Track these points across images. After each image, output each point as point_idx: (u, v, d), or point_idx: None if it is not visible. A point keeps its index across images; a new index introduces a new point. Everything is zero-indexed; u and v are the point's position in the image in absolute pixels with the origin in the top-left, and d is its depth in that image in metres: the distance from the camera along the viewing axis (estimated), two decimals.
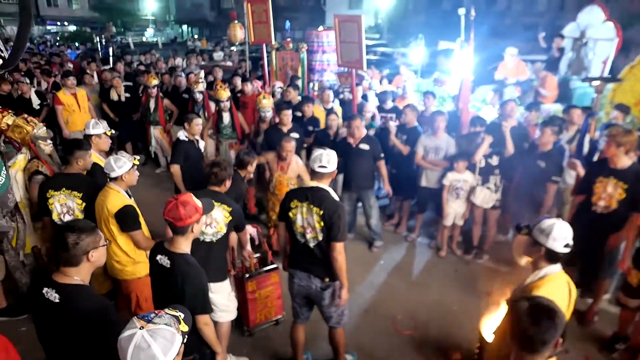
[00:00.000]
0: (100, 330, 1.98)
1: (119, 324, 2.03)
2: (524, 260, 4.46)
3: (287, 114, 5.41)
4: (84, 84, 8.02)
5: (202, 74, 7.54)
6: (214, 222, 3.17)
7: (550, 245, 2.26)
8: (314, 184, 3.04)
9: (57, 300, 1.99)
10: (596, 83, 4.59)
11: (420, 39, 9.53)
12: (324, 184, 3.05)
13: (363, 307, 4.36)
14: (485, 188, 4.95)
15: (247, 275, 3.78)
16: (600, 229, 3.75)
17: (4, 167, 2.90)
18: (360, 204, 5.44)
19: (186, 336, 1.60)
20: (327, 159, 3.00)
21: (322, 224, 2.96)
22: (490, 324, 3.37)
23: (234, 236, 3.58)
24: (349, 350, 3.58)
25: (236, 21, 8.49)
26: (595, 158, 4.29)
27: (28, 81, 8.11)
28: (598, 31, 7.80)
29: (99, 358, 2.05)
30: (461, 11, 5.93)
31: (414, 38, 10.44)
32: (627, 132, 3.50)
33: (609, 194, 3.66)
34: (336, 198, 3.03)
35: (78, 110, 6.96)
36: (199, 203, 2.44)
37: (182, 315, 1.62)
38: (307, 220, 3.01)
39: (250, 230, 3.69)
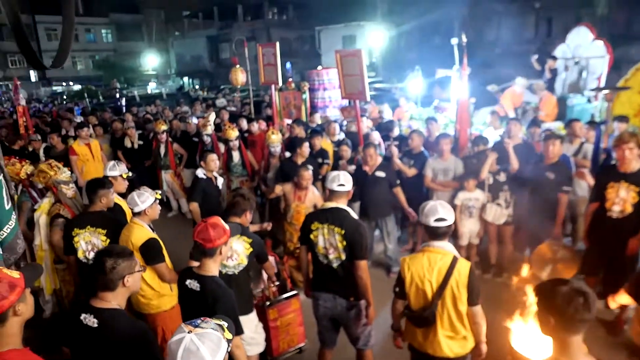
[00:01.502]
0: (139, 354, 2.01)
1: (157, 347, 2.07)
2: (545, 274, 4.45)
3: (306, 146, 5.57)
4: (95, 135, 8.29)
5: (213, 116, 7.76)
6: (234, 254, 3.15)
7: (423, 221, 2.62)
8: (332, 204, 3.12)
9: (95, 325, 2.03)
10: (606, 92, 4.74)
11: (417, 70, 9.89)
12: (343, 204, 3.12)
13: (387, 331, 4.27)
14: (496, 204, 5.00)
15: (267, 303, 3.78)
16: (618, 235, 3.78)
17: (14, 213, 2.97)
18: (377, 232, 5.46)
19: (230, 345, 1.63)
20: (345, 178, 3.10)
21: (344, 243, 3.01)
22: (519, 336, 3.34)
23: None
24: None
25: (238, 65, 8.85)
26: None
27: (39, 138, 8.39)
28: (588, 50, 8.09)
29: None
30: (454, 41, 6.22)
31: (411, 70, 10.81)
32: (633, 134, 3.61)
33: (622, 198, 3.71)
34: (356, 217, 3.10)
35: (92, 160, 7.15)
36: (227, 226, 2.52)
37: (226, 324, 1.66)
38: (329, 241, 3.06)
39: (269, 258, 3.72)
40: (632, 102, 6.49)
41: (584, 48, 8.25)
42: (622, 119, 5.64)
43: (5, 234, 2.79)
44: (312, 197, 4.78)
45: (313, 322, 3.54)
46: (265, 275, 3.82)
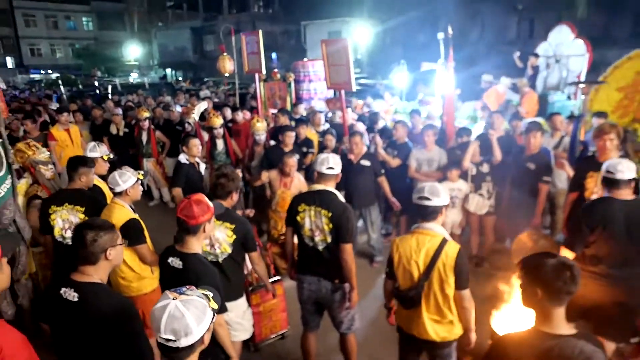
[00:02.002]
0: (120, 328, 1.97)
1: (140, 322, 2.03)
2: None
3: (291, 135, 5.53)
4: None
5: (204, 104, 7.62)
6: (216, 243, 2.99)
7: (413, 200, 2.67)
8: (320, 187, 3.10)
9: (75, 300, 1.98)
10: (582, 85, 4.84)
11: (402, 64, 9.94)
12: (331, 187, 3.11)
13: (370, 318, 4.33)
14: (478, 195, 5.07)
15: (250, 289, 3.76)
16: None
17: (9, 179, 2.88)
18: (360, 222, 5.48)
19: (215, 315, 1.61)
20: (334, 161, 3.08)
21: (330, 226, 3.00)
22: (500, 320, 3.41)
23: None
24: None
25: (225, 53, 8.74)
26: None
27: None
28: (569, 48, 8.26)
29: (118, 356, 2.02)
30: (440, 35, 6.29)
31: (396, 64, 10.87)
32: (613, 125, 3.69)
33: (601, 187, 3.79)
34: (343, 200, 3.09)
35: (71, 145, 6.98)
36: (211, 204, 2.49)
37: (212, 294, 1.63)
38: (315, 223, 3.05)
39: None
40: (610, 100, 6.65)
41: (564, 46, 8.42)
42: (601, 114, 5.78)
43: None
44: (298, 183, 4.77)
45: (296, 309, 3.54)
46: (248, 261, 3.79)
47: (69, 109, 9.21)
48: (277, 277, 3.94)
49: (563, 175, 4.96)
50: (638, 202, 3.00)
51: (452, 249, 2.55)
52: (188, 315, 1.47)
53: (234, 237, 2.99)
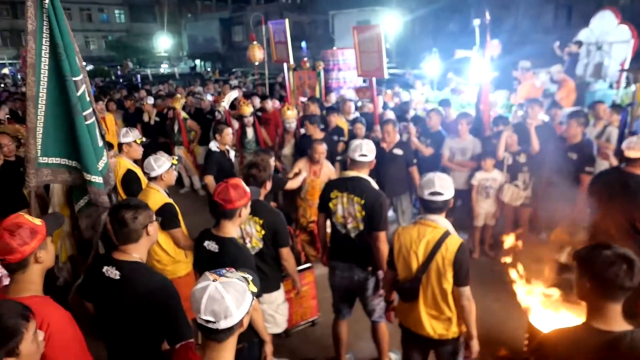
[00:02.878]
0: (160, 305, 2.00)
1: (179, 300, 2.05)
2: (563, 257, 4.37)
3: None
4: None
5: (235, 93, 7.66)
6: (247, 237, 2.93)
7: (419, 194, 2.55)
8: (354, 173, 3.04)
9: (117, 277, 2.01)
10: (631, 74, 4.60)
11: (434, 52, 9.71)
12: (364, 174, 3.05)
13: None
14: (513, 185, 4.91)
15: (282, 275, 3.76)
16: None
17: (105, 149, 3.15)
18: (391, 212, 5.40)
19: (255, 297, 1.59)
20: (367, 148, 3.02)
21: (363, 213, 2.95)
22: (539, 314, 3.30)
23: None
24: (392, 348, 3.50)
25: (255, 42, 8.75)
26: None
27: None
28: (612, 35, 7.86)
29: (159, 334, 2.05)
30: (476, 22, 6.07)
31: (429, 52, 10.63)
32: None
33: None
34: (377, 187, 3.03)
35: (107, 134, 7.14)
36: (247, 188, 2.48)
37: (251, 277, 1.62)
38: (347, 210, 3.01)
39: None
40: None
41: (608, 33, 8.02)
42: None
43: (102, 167, 3.03)
44: (327, 171, 4.72)
45: (326, 297, 3.52)
46: None
47: (102, 98, 9.46)
48: (308, 265, 3.93)
49: (606, 166, 4.75)
50: None
51: (453, 243, 2.42)
52: (228, 298, 1.45)
53: (263, 232, 2.91)
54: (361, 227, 2.99)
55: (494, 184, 4.96)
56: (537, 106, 5.37)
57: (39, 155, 2.93)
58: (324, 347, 3.65)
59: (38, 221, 1.85)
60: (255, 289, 1.60)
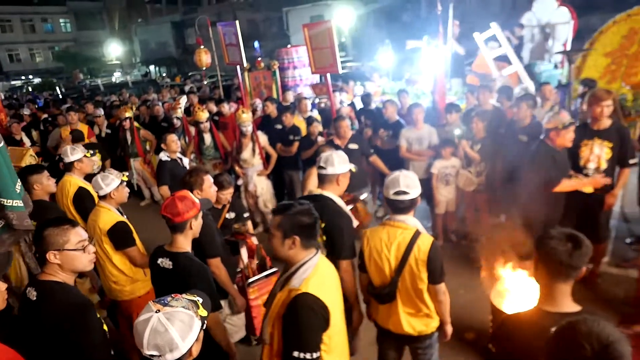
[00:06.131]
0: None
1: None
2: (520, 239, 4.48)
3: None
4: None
5: (185, 99, 7.48)
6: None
7: (384, 194, 2.47)
8: (317, 191, 2.78)
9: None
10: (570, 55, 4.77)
11: (387, 44, 9.81)
12: (329, 191, 2.74)
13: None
14: (467, 171, 5.01)
15: (248, 282, 3.70)
16: (594, 192, 3.82)
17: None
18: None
19: (205, 322, 1.53)
20: (326, 159, 2.70)
21: (324, 237, 2.68)
22: (500, 294, 3.39)
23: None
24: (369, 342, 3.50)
25: (202, 46, 8.56)
26: None
27: None
28: (554, 16, 8.16)
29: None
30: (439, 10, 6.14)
31: (381, 45, 10.72)
32: (609, 92, 3.62)
33: (596, 155, 3.75)
34: (340, 208, 2.74)
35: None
36: (196, 199, 2.41)
37: (201, 300, 1.55)
38: None
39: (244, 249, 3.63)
40: (597, 66, 6.60)
41: (549, 14, 8.32)
42: (589, 83, 5.72)
43: (19, 189, 2.72)
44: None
45: None
46: (244, 255, 3.73)
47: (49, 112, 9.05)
48: (274, 269, 3.87)
49: None
50: None
51: (424, 243, 2.37)
52: (172, 330, 1.38)
53: None
54: (324, 252, 2.69)
55: (453, 171, 5.05)
56: (487, 91, 5.51)
57: None
58: None
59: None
60: (205, 313, 1.53)
